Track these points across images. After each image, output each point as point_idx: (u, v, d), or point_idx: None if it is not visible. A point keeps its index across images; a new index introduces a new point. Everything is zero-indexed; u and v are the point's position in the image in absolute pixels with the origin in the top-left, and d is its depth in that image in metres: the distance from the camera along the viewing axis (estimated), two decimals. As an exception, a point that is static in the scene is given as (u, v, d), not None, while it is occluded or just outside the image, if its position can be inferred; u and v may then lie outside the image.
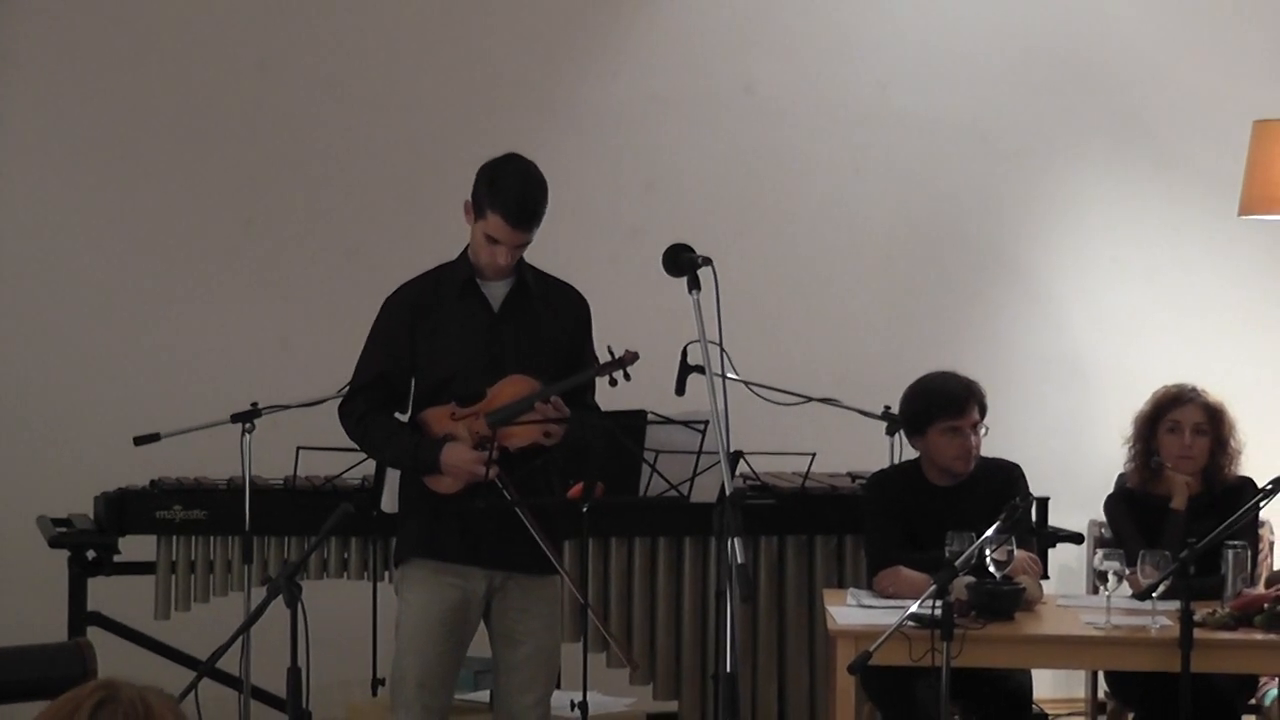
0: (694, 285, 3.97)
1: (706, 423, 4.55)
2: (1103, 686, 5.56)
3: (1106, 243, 6.99)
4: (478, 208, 4.43)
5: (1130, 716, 5.31)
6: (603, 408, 4.62)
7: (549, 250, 4.60)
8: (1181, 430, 5.27)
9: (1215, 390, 5.36)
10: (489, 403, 4.41)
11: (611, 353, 4.43)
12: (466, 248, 4.53)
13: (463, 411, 4.43)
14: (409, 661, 4.46)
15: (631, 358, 4.43)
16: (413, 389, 4.54)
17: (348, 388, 4.60)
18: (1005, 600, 4.77)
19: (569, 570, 4.59)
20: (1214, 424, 5.29)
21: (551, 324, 4.53)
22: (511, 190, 4.39)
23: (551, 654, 4.56)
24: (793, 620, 5.62)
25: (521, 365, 4.45)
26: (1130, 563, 4.80)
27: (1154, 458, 5.30)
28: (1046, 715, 5.35)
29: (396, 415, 4.56)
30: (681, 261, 4.02)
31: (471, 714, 5.14)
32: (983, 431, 5.19)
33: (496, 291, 4.51)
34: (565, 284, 4.62)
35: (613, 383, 4.42)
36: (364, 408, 4.50)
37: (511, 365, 4.45)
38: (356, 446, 4.68)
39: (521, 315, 4.51)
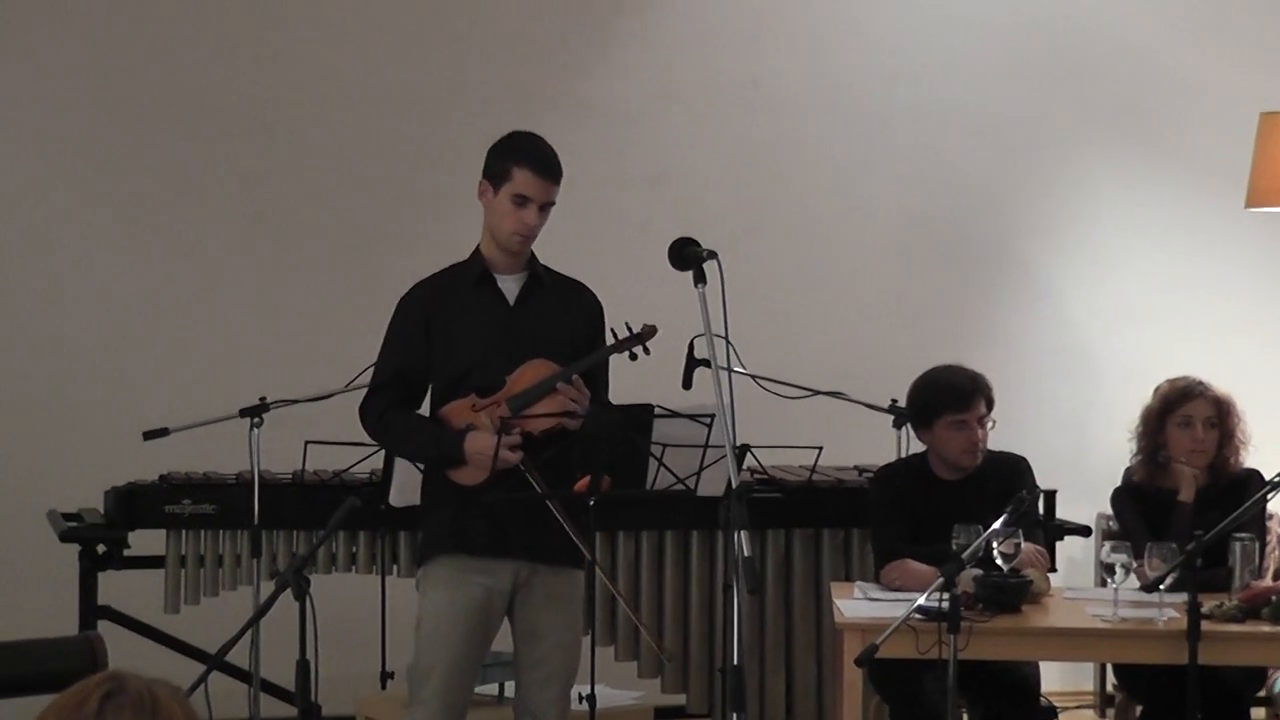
0: (700, 279, 3.96)
1: (713, 416, 4.55)
2: (1111, 679, 5.56)
3: (1113, 236, 6.99)
4: (499, 174, 4.44)
5: (1138, 709, 5.31)
6: (612, 399, 4.62)
7: (557, 243, 4.61)
8: (1194, 425, 5.26)
9: (1220, 382, 5.36)
10: (509, 389, 4.41)
11: (629, 328, 4.44)
12: (478, 246, 4.54)
13: (483, 402, 4.42)
14: (432, 660, 4.42)
15: (650, 331, 4.44)
16: (430, 386, 4.54)
17: (359, 383, 4.60)
18: (1012, 593, 4.77)
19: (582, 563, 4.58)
20: (1222, 417, 5.28)
21: (566, 316, 4.54)
22: (532, 146, 4.47)
23: (572, 649, 4.55)
24: (799, 613, 5.63)
25: (538, 355, 4.45)
26: (1137, 555, 4.80)
27: (1161, 451, 5.30)
28: (1055, 708, 5.34)
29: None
30: (687, 255, 4.02)
31: (482, 707, 5.13)
32: (990, 425, 5.19)
33: (511, 285, 4.52)
34: (577, 281, 4.64)
35: (633, 357, 4.43)
36: (384, 405, 4.50)
37: (529, 355, 4.45)
38: (371, 442, 4.70)
39: (537, 306, 4.52)
